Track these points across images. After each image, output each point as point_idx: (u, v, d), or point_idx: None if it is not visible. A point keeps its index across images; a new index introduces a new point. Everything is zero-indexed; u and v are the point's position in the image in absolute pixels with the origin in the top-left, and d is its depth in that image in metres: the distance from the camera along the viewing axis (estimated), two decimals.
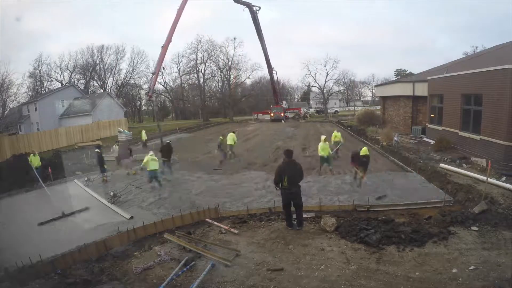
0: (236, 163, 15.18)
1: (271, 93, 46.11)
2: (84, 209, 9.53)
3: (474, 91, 13.18)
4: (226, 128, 33.22)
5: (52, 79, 51.90)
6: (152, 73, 26.91)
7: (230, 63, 49.22)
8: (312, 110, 57.95)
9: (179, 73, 53.95)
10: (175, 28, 26.53)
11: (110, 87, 54.14)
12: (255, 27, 37.38)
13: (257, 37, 38.23)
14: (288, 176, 7.04)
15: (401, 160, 14.04)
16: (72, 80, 51.73)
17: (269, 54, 40.26)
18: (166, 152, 13.49)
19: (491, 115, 11.73)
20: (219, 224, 7.75)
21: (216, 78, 52.82)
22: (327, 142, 12.42)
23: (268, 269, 5.63)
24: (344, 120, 36.77)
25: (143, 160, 11.72)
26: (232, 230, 7.41)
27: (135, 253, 6.52)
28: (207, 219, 8.14)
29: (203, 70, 50.42)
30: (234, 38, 48.06)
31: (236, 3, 34.78)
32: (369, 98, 76.78)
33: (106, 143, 25.23)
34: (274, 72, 41.86)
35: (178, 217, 7.92)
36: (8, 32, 58.15)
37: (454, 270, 5.32)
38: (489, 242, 6.22)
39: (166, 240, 6.97)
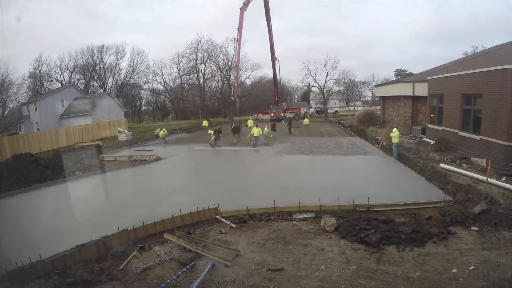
0: None
1: (271, 93, 45.98)
2: None
3: (474, 91, 13.18)
4: (226, 128, 33.22)
5: (52, 79, 52.01)
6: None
7: (230, 63, 49.20)
8: (312, 110, 57.93)
9: (179, 73, 54.03)
10: None
11: (110, 87, 54.21)
12: (265, 8, 37.36)
13: (265, 20, 38.08)
14: None
15: (401, 159, 14.08)
16: (72, 80, 51.81)
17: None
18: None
19: (491, 115, 11.73)
20: (226, 221, 7.85)
21: (216, 78, 52.88)
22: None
23: (268, 269, 5.63)
24: (344, 120, 36.80)
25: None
26: (232, 224, 7.58)
27: (135, 253, 6.52)
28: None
29: (203, 70, 50.48)
30: (234, 38, 48.03)
31: None
32: (369, 98, 76.79)
33: (108, 142, 25.26)
34: (276, 61, 41.49)
35: (178, 217, 7.91)
36: (8, 32, 58.17)
37: (454, 270, 5.33)
38: (489, 242, 6.23)
39: (166, 240, 6.97)
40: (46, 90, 47.99)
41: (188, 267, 5.74)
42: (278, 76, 42.85)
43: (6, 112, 42.97)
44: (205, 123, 33.06)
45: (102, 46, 53.63)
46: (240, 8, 34.90)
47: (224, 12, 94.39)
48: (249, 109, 53.63)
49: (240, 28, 34.47)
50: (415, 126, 20.51)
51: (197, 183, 12.39)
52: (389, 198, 8.94)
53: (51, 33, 75.22)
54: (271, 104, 46.28)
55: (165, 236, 7.07)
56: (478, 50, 40.46)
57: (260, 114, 46.06)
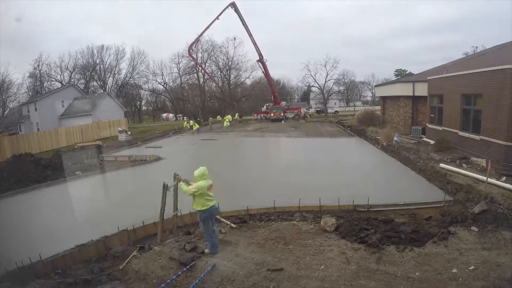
0: None
1: (271, 93, 45.93)
2: None
3: (474, 91, 13.18)
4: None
5: (52, 79, 52.05)
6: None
7: (230, 63, 49.26)
8: (312, 110, 57.93)
9: (179, 73, 54.08)
10: None
11: (110, 87, 54.27)
12: (239, 17, 39.16)
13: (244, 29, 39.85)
14: None
15: (401, 160, 14.10)
16: (72, 80, 51.85)
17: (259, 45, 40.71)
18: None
19: (491, 115, 11.73)
20: (226, 221, 7.84)
21: (216, 78, 52.86)
22: None
23: (268, 269, 5.63)
24: (344, 120, 36.78)
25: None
26: (232, 224, 7.62)
27: (135, 253, 6.52)
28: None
29: (203, 70, 50.42)
30: (234, 38, 48.01)
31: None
32: (369, 98, 76.82)
33: (110, 142, 25.26)
34: (265, 61, 41.41)
35: (178, 217, 7.90)
36: (8, 32, 58.18)
37: (454, 270, 5.32)
38: (489, 242, 6.22)
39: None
40: (46, 90, 48.03)
41: (188, 267, 5.74)
42: (270, 75, 43.14)
43: (6, 112, 43.00)
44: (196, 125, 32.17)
45: (102, 46, 53.82)
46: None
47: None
48: (249, 109, 53.63)
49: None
50: (415, 126, 20.51)
51: None
52: (389, 198, 8.93)
53: (51, 33, 75.21)
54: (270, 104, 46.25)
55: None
56: (478, 50, 40.49)
57: (261, 114, 45.96)
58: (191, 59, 43.14)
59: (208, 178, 6.09)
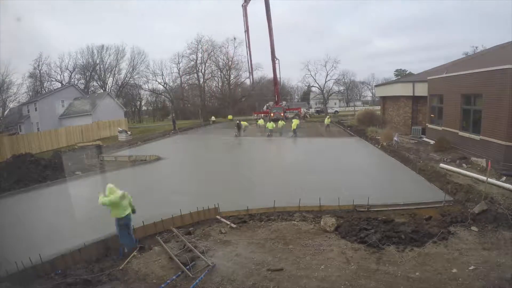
0: None
1: (271, 93, 45.93)
2: None
3: (474, 91, 13.18)
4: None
5: (52, 79, 52.12)
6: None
7: (230, 63, 49.30)
8: (312, 110, 57.93)
9: (179, 73, 54.14)
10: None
11: (110, 87, 54.34)
12: (266, 8, 37.60)
13: (266, 21, 38.45)
14: None
15: (401, 160, 14.09)
16: (72, 80, 51.92)
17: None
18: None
19: (491, 115, 11.73)
20: (226, 221, 7.86)
21: (216, 78, 52.99)
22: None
23: (268, 269, 5.63)
24: (344, 120, 36.77)
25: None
26: (232, 224, 7.64)
27: (135, 253, 6.52)
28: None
29: (203, 70, 50.57)
30: (234, 38, 48.12)
31: None
32: (369, 98, 76.83)
33: (110, 142, 25.27)
34: (276, 60, 41.37)
35: (178, 217, 7.92)
36: (9, 32, 58.21)
37: (454, 270, 5.33)
38: (489, 242, 6.23)
39: (169, 240, 6.97)
40: (46, 90, 48.05)
41: (188, 267, 5.74)
42: (278, 75, 42.83)
43: (6, 112, 43.04)
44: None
45: (102, 46, 53.89)
46: (242, 6, 36.17)
47: (224, 12, 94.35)
48: (249, 109, 53.69)
49: (247, 28, 37.04)
50: (415, 126, 20.51)
51: (197, 183, 12.38)
52: (389, 198, 8.93)
53: (51, 33, 75.22)
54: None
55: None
56: (478, 50, 40.50)
57: (261, 114, 45.88)
58: (243, 13, 36.73)
59: (115, 192, 6.47)
